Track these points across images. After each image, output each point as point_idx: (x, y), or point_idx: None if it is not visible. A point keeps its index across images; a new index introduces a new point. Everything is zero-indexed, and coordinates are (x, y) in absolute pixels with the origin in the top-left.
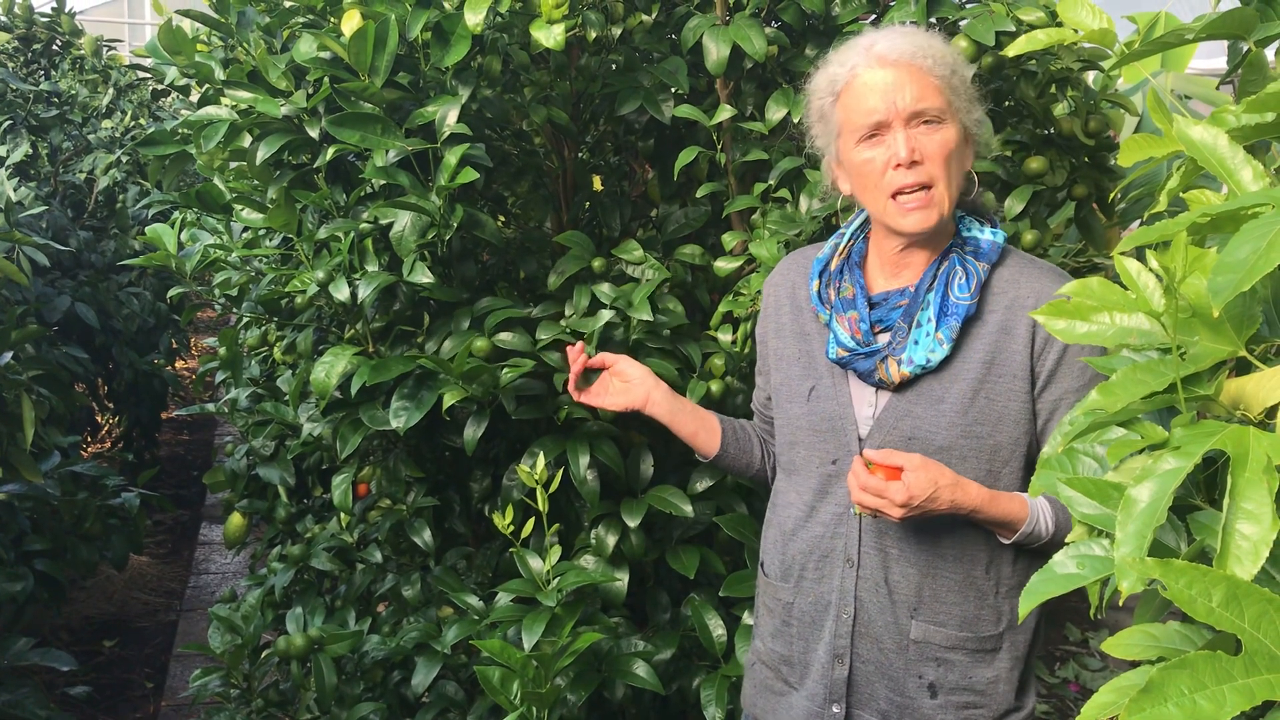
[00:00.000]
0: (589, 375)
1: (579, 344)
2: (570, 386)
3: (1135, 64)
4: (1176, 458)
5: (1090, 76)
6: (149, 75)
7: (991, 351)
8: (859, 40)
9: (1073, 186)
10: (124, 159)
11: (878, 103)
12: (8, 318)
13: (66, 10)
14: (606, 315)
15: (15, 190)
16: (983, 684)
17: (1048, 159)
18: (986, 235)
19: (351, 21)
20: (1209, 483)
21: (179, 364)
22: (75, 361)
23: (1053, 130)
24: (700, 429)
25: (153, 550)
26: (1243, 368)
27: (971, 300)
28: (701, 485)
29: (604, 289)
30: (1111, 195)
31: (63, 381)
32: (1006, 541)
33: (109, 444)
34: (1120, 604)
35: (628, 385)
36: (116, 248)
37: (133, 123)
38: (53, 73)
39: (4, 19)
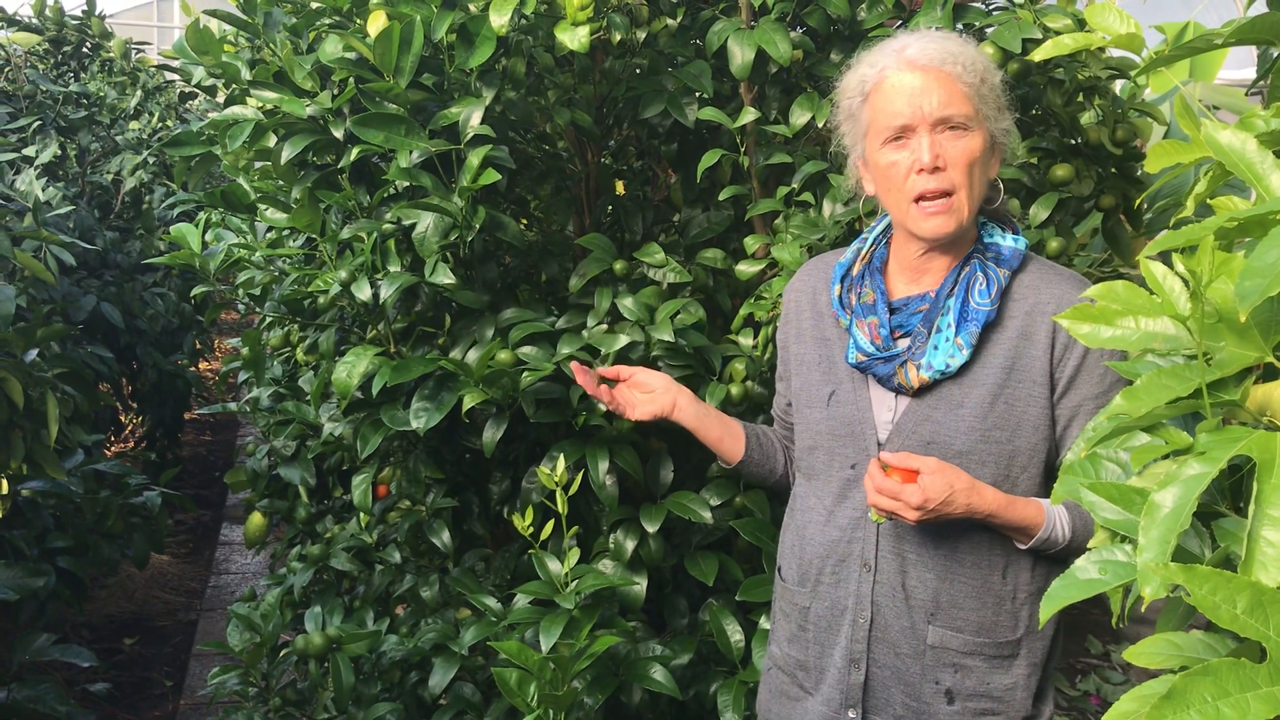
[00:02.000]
0: (611, 382)
1: (577, 366)
2: (599, 395)
3: (1163, 72)
4: (1201, 463)
5: (1118, 85)
6: (177, 77)
7: (1011, 357)
8: (891, 43)
9: (1100, 196)
10: (151, 160)
11: (904, 106)
12: (34, 316)
13: (96, 13)
14: (623, 340)
15: (44, 190)
16: (1000, 690)
17: (1074, 167)
18: (1008, 242)
19: (377, 22)
20: (1234, 489)
21: (202, 365)
22: (100, 361)
23: (1080, 139)
24: (725, 435)
25: (174, 550)
26: (1270, 373)
27: (992, 306)
28: (718, 498)
29: (627, 303)
30: (1137, 202)
31: (87, 380)
32: (1023, 547)
33: (132, 443)
34: (1144, 610)
35: (652, 395)
36: (142, 248)
37: (160, 124)
38: (82, 74)
39: (35, 21)
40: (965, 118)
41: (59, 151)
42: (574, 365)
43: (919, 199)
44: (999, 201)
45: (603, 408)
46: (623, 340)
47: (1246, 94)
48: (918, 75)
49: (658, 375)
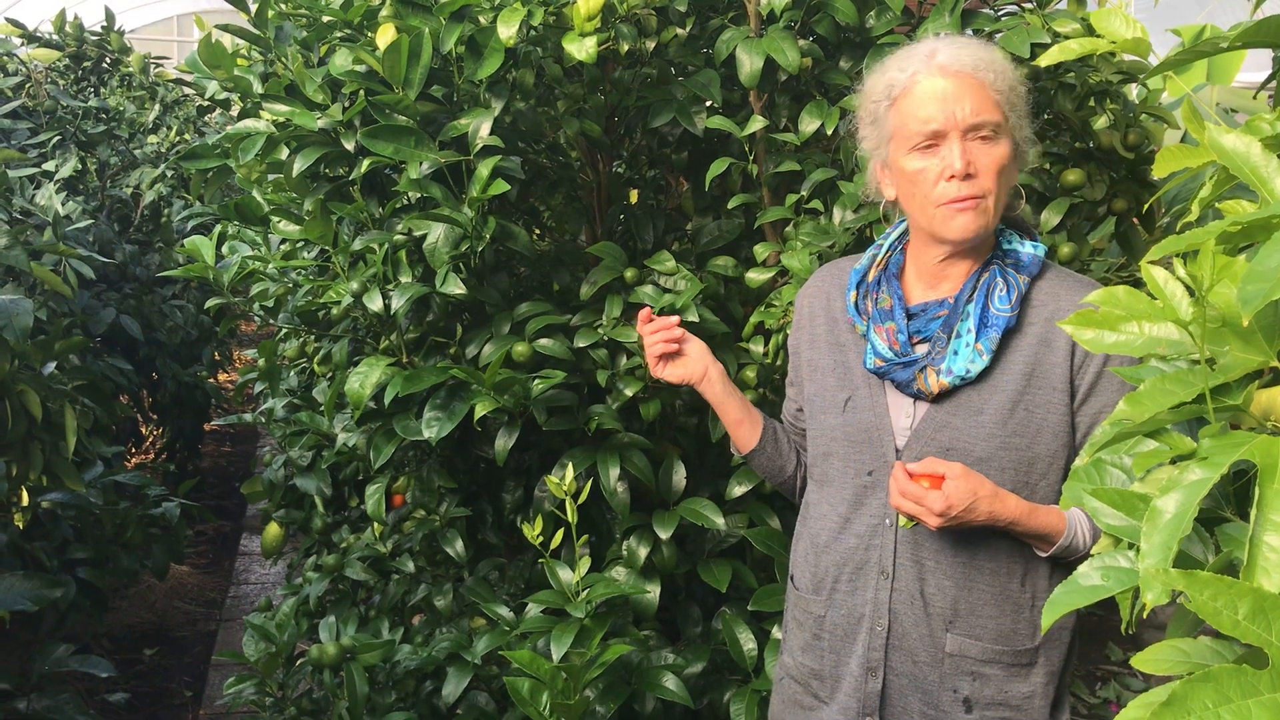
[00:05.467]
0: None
1: (645, 312)
2: (653, 352)
3: (1173, 77)
4: (1203, 469)
5: (1134, 90)
6: (194, 90)
7: (1031, 363)
8: (919, 47)
9: (1112, 200)
10: (169, 173)
11: (935, 112)
12: (53, 329)
13: (116, 29)
14: (666, 300)
15: (63, 204)
16: (1018, 699)
17: (1086, 172)
18: (1027, 248)
19: (386, 35)
20: (1240, 495)
21: (221, 376)
22: (119, 373)
23: (1091, 143)
24: (745, 419)
25: (194, 560)
26: (1275, 378)
27: (1012, 312)
28: (737, 492)
29: (647, 289)
30: (1146, 205)
31: (105, 392)
32: (1044, 554)
33: (152, 455)
34: (1144, 615)
35: (686, 359)
36: (161, 261)
37: (178, 138)
38: (101, 89)
39: (55, 37)
40: (996, 125)
41: (79, 166)
42: (641, 313)
43: (948, 202)
44: (1019, 208)
45: (629, 391)
46: (666, 299)
47: (1254, 95)
48: (950, 81)
49: (696, 341)
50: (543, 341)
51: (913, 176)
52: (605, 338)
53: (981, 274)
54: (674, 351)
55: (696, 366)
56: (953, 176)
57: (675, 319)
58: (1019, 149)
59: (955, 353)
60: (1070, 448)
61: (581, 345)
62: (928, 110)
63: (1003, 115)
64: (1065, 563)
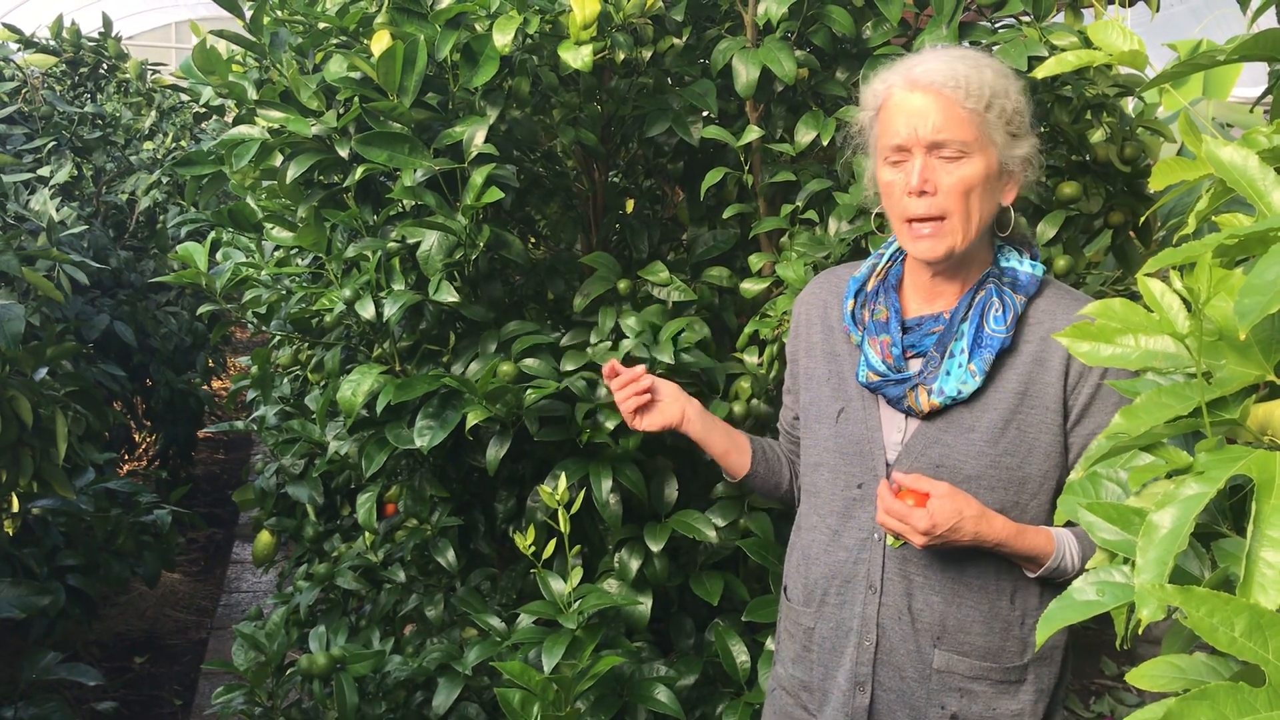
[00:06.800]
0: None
1: (612, 364)
2: (622, 396)
3: (1169, 90)
4: (1199, 483)
5: (1130, 104)
6: (189, 97)
7: (1025, 383)
8: (908, 59)
9: (1109, 213)
10: (164, 180)
11: (901, 127)
12: (46, 335)
13: (113, 35)
14: (629, 345)
15: (58, 210)
16: (1007, 716)
17: (1082, 185)
18: (1025, 267)
19: (380, 42)
20: (1237, 510)
21: (215, 383)
22: (112, 379)
23: (1088, 156)
24: (732, 448)
25: (185, 568)
26: (1272, 392)
27: (1007, 334)
28: (723, 519)
29: (630, 322)
30: (1142, 219)
31: (97, 399)
32: (1032, 575)
33: (145, 462)
34: (1139, 632)
35: (661, 404)
36: (156, 267)
37: (174, 144)
38: (98, 95)
39: (52, 43)
40: (963, 144)
41: (74, 172)
42: (605, 368)
43: (910, 220)
44: (1010, 228)
45: (610, 425)
46: (627, 345)
47: (1251, 109)
48: (918, 96)
49: (667, 384)
50: (528, 361)
51: (886, 189)
52: (593, 358)
53: (977, 291)
54: (646, 403)
55: (672, 410)
56: (910, 193)
57: (641, 369)
58: (1004, 167)
59: (948, 373)
60: (1062, 468)
61: (569, 369)
62: (895, 124)
63: (974, 133)
64: (1055, 582)
